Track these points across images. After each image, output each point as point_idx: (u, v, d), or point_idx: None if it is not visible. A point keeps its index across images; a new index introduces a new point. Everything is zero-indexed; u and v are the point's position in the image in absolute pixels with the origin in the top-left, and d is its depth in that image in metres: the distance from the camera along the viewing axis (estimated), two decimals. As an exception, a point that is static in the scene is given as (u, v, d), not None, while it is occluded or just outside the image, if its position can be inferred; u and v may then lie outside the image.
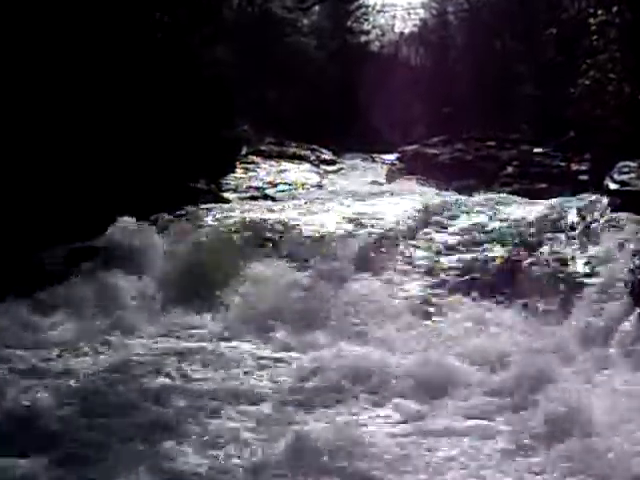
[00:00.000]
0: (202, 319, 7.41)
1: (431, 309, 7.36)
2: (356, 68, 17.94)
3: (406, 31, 18.82)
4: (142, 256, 8.35)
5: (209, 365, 6.43)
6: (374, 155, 17.16)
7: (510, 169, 14.52)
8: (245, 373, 6.36)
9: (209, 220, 9.07)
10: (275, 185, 13.48)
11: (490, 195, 10.52)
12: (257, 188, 13.00)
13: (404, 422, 5.42)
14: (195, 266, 8.03)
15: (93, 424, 5.10)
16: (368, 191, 12.04)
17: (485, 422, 5.33)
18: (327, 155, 16.45)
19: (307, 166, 15.48)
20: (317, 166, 15.77)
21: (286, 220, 9.03)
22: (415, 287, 7.62)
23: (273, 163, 14.96)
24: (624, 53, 10.92)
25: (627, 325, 6.63)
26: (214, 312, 7.47)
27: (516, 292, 7.48)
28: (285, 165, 15.06)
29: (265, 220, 9.00)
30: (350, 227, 8.68)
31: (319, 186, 13.91)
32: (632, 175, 8.86)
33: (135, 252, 8.37)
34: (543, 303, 7.30)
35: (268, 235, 8.59)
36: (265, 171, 14.31)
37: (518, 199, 9.99)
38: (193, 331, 7.25)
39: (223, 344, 6.89)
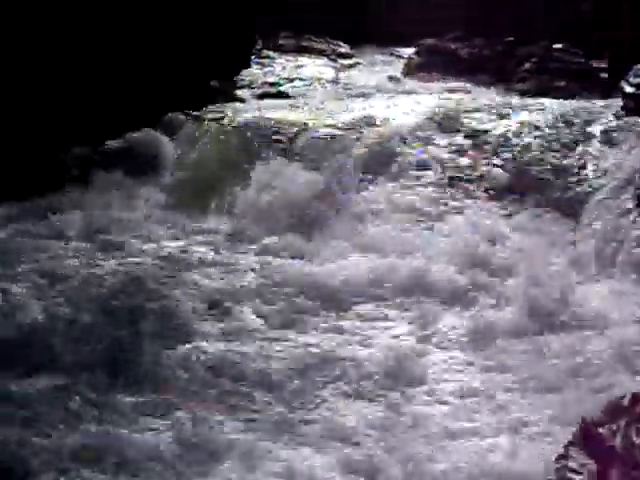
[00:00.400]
0: (212, 223, 7.47)
1: (435, 213, 7.34)
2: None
3: None
4: (155, 160, 8.34)
5: (215, 270, 6.53)
6: (393, 49, 16.91)
7: (528, 65, 14.27)
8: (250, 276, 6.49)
9: (221, 121, 9.00)
10: (291, 80, 13.33)
11: (504, 98, 10.39)
12: (272, 84, 12.86)
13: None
14: (206, 170, 8.09)
15: (104, 333, 5.21)
16: (383, 88, 11.88)
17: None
18: (344, 49, 16.19)
19: (324, 60, 15.26)
20: (334, 60, 15.55)
21: (298, 120, 8.97)
22: (424, 192, 7.58)
23: (289, 58, 14.75)
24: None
25: (633, 236, 6.65)
26: (224, 216, 7.54)
27: (526, 198, 7.46)
28: (301, 60, 14.86)
29: (277, 120, 8.94)
30: (362, 128, 8.57)
31: (335, 82, 13.74)
32: (647, 78, 8.72)
33: (149, 157, 8.35)
34: (552, 210, 7.28)
35: (279, 137, 8.55)
36: (281, 66, 14.13)
37: (531, 101, 9.79)
38: (202, 237, 7.32)
39: (228, 251, 6.95)
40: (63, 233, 7.27)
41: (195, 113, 9.51)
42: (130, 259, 6.64)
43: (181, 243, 7.10)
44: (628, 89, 8.70)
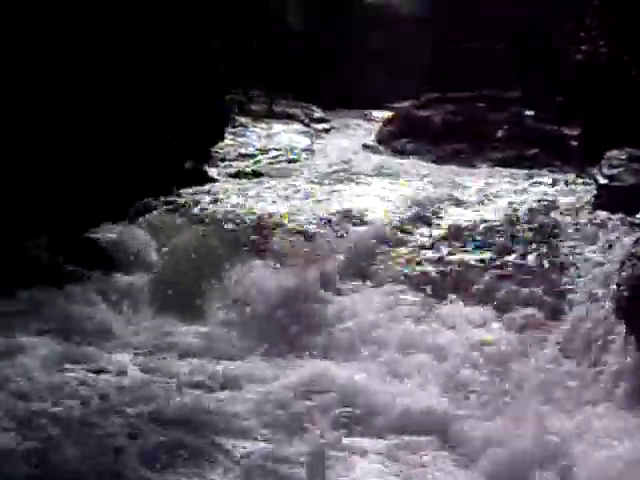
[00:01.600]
0: (185, 329, 7.21)
1: (414, 318, 7.12)
2: (345, 19, 17.43)
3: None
4: (126, 254, 8.10)
5: (188, 384, 6.28)
6: (365, 112, 16.80)
7: (501, 133, 14.20)
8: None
9: (191, 211, 8.81)
10: (265, 151, 13.14)
11: (478, 178, 10.27)
12: (247, 156, 12.69)
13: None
14: (175, 269, 7.80)
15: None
16: (358, 164, 11.69)
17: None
18: (317, 113, 16.07)
19: (297, 126, 15.12)
20: (307, 125, 15.41)
21: (271, 211, 8.76)
22: (398, 296, 7.37)
23: (263, 125, 14.59)
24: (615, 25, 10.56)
25: (612, 347, 6.45)
26: (197, 321, 7.27)
27: (498, 302, 7.26)
28: (275, 127, 14.69)
29: (251, 213, 8.72)
30: (338, 222, 8.37)
31: (310, 151, 13.57)
32: (621, 169, 8.58)
33: (120, 250, 8.12)
34: (523, 315, 7.08)
35: (253, 231, 8.31)
36: (255, 135, 13.97)
37: (506, 186, 9.66)
38: (177, 342, 7.06)
39: (205, 360, 6.70)
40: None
41: (167, 200, 9.24)
42: (91, 375, 6.31)
43: (149, 357, 6.79)
44: (602, 180, 8.57)
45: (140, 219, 8.75)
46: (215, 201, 9.16)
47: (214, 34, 12.49)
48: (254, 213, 8.63)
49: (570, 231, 7.99)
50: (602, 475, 5.06)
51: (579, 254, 7.57)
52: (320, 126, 15.59)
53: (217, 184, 10.12)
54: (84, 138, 9.34)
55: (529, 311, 7.04)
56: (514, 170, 11.67)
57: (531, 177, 10.73)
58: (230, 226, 8.37)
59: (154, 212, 8.89)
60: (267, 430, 5.70)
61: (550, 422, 5.74)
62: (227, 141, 12.89)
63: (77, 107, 9.39)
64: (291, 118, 15.45)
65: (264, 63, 16.04)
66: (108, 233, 8.40)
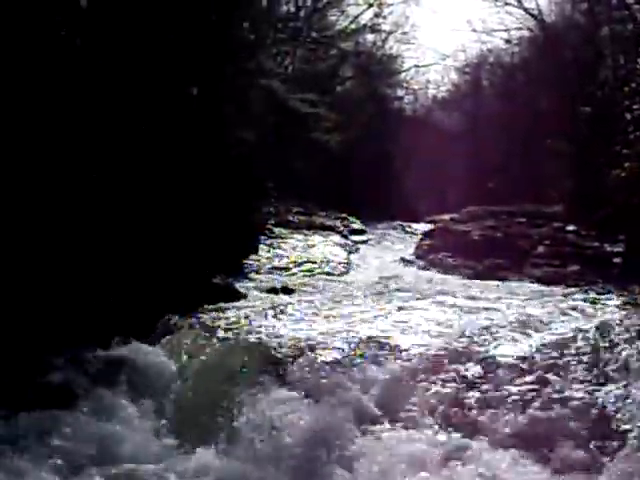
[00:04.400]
0: (196, 457, 6.49)
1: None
2: (389, 135, 17.08)
3: (439, 96, 17.91)
4: (146, 377, 7.48)
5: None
6: (404, 224, 16.32)
7: (541, 248, 13.62)
8: None
9: (215, 331, 8.17)
10: (300, 264, 12.63)
11: (517, 299, 9.55)
12: (281, 269, 12.17)
13: None
14: (192, 394, 7.15)
15: None
16: (395, 281, 11.05)
17: None
18: (356, 224, 15.62)
19: (336, 238, 14.65)
20: (345, 237, 14.95)
21: (299, 334, 8.10)
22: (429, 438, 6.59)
23: (300, 237, 14.13)
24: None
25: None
26: (209, 451, 6.56)
27: (538, 445, 6.46)
28: (312, 238, 14.23)
29: (277, 333, 8.08)
30: (368, 352, 7.64)
31: (346, 264, 13.02)
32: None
33: (139, 372, 7.50)
34: (570, 457, 6.27)
35: (278, 355, 7.63)
36: (291, 246, 13.48)
37: (546, 309, 8.90)
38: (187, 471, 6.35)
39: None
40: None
41: (192, 318, 8.66)
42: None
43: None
44: (651, 307, 7.82)
45: (163, 339, 8.11)
46: (241, 320, 8.54)
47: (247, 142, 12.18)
48: (281, 335, 7.95)
49: (620, 364, 7.18)
50: None
51: (628, 389, 6.76)
52: (358, 238, 15.11)
53: (246, 301, 9.51)
54: (111, 248, 8.84)
55: (576, 455, 6.20)
56: (554, 288, 10.97)
57: (572, 297, 9.98)
58: (255, 349, 7.69)
59: (177, 331, 8.26)
60: None
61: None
62: (262, 252, 12.43)
63: (106, 214, 8.93)
64: (329, 229, 15.01)
65: (307, 177, 15.70)
66: (128, 352, 7.77)
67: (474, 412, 6.79)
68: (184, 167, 10.18)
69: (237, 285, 10.27)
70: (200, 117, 10.91)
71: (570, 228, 14.04)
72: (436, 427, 6.61)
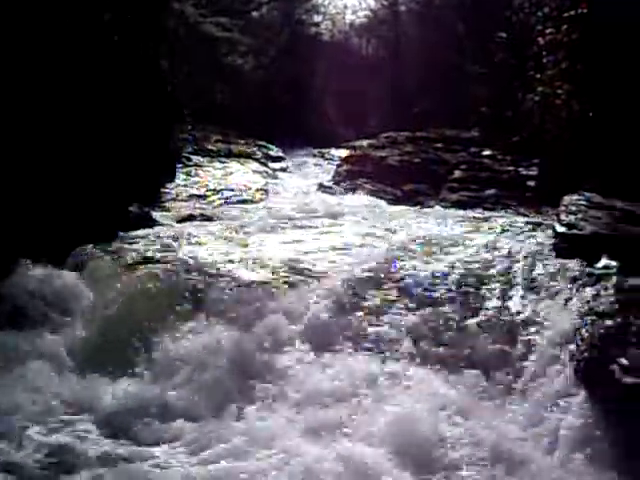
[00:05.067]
0: (113, 387, 6.45)
1: (369, 385, 6.41)
2: (307, 61, 16.90)
3: (357, 22, 17.77)
4: (54, 309, 7.35)
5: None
6: (323, 151, 16.29)
7: (458, 173, 13.74)
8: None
9: (130, 258, 8.06)
10: (218, 192, 12.54)
11: (432, 222, 9.66)
12: (198, 197, 12.07)
13: None
14: (108, 322, 7.08)
15: None
16: (312, 206, 11.06)
17: None
18: (275, 152, 15.54)
19: (254, 165, 14.56)
20: (264, 164, 14.86)
21: (216, 259, 8.07)
22: (353, 360, 6.66)
23: (218, 165, 14.00)
24: (573, 70, 10.07)
25: (571, 411, 5.83)
26: (128, 380, 6.53)
27: (448, 362, 6.59)
28: (231, 165, 14.13)
29: (193, 259, 8.02)
30: (285, 277, 7.66)
31: (265, 191, 12.99)
32: (579, 216, 8.03)
33: (48, 304, 7.36)
34: (475, 376, 6.42)
35: (194, 280, 7.59)
36: (209, 174, 13.36)
37: (460, 231, 9.02)
38: (103, 402, 6.31)
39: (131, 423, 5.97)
40: None
41: (108, 246, 8.53)
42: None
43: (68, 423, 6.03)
44: (559, 228, 7.99)
45: (76, 267, 7.98)
46: (157, 248, 8.43)
47: (167, 72, 11.94)
48: (199, 262, 7.91)
49: (526, 282, 7.36)
50: None
51: (536, 308, 6.94)
52: (277, 165, 15.05)
53: (163, 228, 9.41)
54: (20, 178, 8.61)
55: (482, 372, 6.36)
56: (469, 212, 11.11)
57: (487, 220, 10.12)
58: (171, 276, 7.63)
59: (92, 259, 8.14)
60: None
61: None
62: (179, 181, 12.29)
63: (12, 146, 8.68)
64: (247, 157, 14.89)
65: (222, 103, 15.50)
66: (41, 282, 7.61)
67: (392, 334, 6.89)
68: (99, 94, 9.93)
69: (154, 213, 10.15)
70: (113, 44, 10.63)
71: (486, 153, 14.19)
72: (353, 351, 6.69)
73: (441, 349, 6.66)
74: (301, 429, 5.81)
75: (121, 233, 9.00)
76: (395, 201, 12.06)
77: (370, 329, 6.95)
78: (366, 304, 7.14)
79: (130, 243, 8.70)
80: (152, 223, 9.64)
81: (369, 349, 6.71)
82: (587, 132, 10.39)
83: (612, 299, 6.45)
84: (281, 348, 6.68)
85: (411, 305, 7.13)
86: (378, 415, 5.83)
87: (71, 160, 9.22)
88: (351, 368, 6.42)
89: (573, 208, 8.15)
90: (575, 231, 7.81)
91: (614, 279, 6.81)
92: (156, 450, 5.74)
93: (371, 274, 7.50)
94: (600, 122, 9.53)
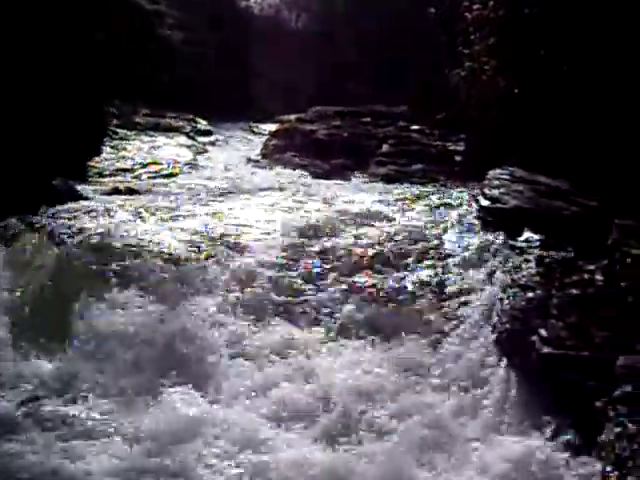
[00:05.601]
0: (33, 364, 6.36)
1: (287, 350, 6.47)
2: (236, 35, 16.74)
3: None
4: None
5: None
6: (252, 125, 16.20)
7: (386, 147, 13.78)
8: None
9: (52, 233, 7.89)
10: (145, 166, 12.39)
11: (360, 195, 9.71)
12: (125, 171, 11.91)
13: None
14: (27, 299, 6.96)
15: None
16: (240, 180, 11.05)
17: None
18: (203, 126, 15.39)
19: (182, 139, 14.40)
20: (192, 138, 14.71)
21: (141, 234, 7.98)
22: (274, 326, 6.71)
23: (145, 138, 13.81)
24: (499, 47, 10.17)
25: (492, 379, 5.95)
26: (48, 356, 6.44)
27: (371, 331, 6.68)
28: (159, 139, 13.95)
29: (118, 234, 7.92)
30: (211, 250, 7.63)
31: (193, 165, 12.87)
32: (503, 190, 8.15)
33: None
34: (401, 345, 6.51)
35: (117, 256, 7.49)
36: (136, 148, 13.17)
37: (386, 204, 9.09)
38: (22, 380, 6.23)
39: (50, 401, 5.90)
40: None
41: (28, 220, 8.35)
42: None
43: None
44: (483, 202, 8.11)
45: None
46: (81, 222, 8.30)
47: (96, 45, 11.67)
48: (123, 237, 7.81)
49: (450, 254, 7.48)
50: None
51: (460, 280, 7.05)
52: (205, 139, 14.90)
53: (87, 202, 9.24)
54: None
55: (406, 342, 6.45)
56: (397, 186, 11.18)
57: (413, 194, 10.20)
58: (93, 250, 7.53)
59: (14, 235, 7.96)
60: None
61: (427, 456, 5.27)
62: (105, 155, 12.06)
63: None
64: (175, 131, 14.72)
65: (148, 75, 15.26)
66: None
67: (316, 305, 6.94)
68: (20, 64, 9.68)
69: (79, 187, 9.95)
70: (41, 18, 10.37)
71: (415, 127, 14.24)
72: (281, 321, 6.72)
73: (364, 319, 6.71)
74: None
75: (45, 207, 8.78)
76: (323, 175, 12.06)
77: (296, 300, 6.99)
78: (293, 275, 7.14)
79: (54, 217, 8.51)
80: (77, 197, 9.45)
81: (295, 320, 6.74)
82: (512, 108, 10.49)
83: (533, 272, 6.56)
84: (207, 323, 6.64)
85: (337, 276, 7.17)
86: (309, 381, 5.87)
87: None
88: (278, 338, 6.46)
89: (497, 182, 8.27)
90: (499, 205, 7.94)
91: (536, 252, 6.93)
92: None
93: (296, 246, 7.50)
94: (525, 98, 9.64)
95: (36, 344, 6.57)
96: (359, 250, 7.53)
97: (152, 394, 6.02)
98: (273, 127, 15.15)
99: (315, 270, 7.36)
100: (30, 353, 6.51)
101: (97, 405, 5.93)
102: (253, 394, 6.02)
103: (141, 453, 5.35)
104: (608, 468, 4.50)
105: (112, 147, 12.70)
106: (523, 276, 6.54)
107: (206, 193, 10.04)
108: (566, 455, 5.15)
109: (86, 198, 9.55)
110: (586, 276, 6.33)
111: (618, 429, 4.72)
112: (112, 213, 8.75)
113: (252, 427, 5.57)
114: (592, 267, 6.43)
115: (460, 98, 11.38)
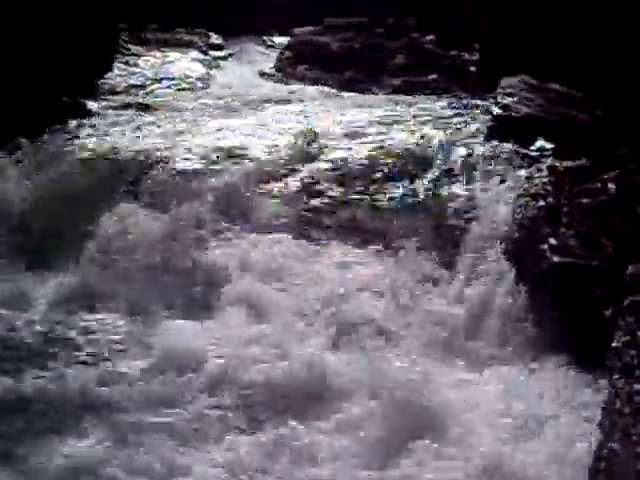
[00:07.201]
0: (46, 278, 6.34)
1: (296, 259, 6.39)
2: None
3: None
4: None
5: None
6: (266, 38, 15.86)
7: (399, 59, 13.48)
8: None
9: (63, 148, 7.84)
10: (158, 81, 12.15)
11: (373, 106, 9.50)
12: (137, 87, 11.69)
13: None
14: (40, 212, 6.90)
15: None
16: (253, 94, 10.83)
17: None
18: (215, 39, 15.07)
19: (194, 54, 14.09)
20: (205, 53, 14.39)
21: (150, 147, 7.88)
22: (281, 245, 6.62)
23: (157, 53, 13.52)
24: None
25: (501, 290, 5.85)
26: (60, 270, 6.40)
27: (383, 243, 6.58)
28: (170, 54, 13.64)
29: (128, 148, 7.83)
30: (220, 159, 7.53)
31: (205, 80, 12.62)
32: (515, 99, 7.92)
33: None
34: (412, 255, 6.40)
35: (128, 169, 7.42)
36: (148, 64, 12.91)
37: (400, 114, 8.88)
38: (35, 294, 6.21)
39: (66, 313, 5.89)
40: None
41: (39, 137, 8.24)
42: None
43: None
44: (496, 110, 7.89)
45: (6, 158, 7.72)
46: (93, 138, 8.22)
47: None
48: (134, 151, 7.72)
49: (462, 163, 7.31)
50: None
51: (471, 189, 6.91)
52: (218, 53, 14.60)
53: (98, 119, 9.11)
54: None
55: (417, 252, 6.35)
56: (411, 97, 10.94)
57: (427, 104, 9.98)
58: (105, 165, 7.46)
59: (25, 152, 7.87)
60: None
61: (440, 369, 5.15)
62: (116, 71, 11.83)
63: None
64: (187, 46, 14.43)
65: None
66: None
67: (320, 216, 6.85)
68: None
69: (89, 103, 9.80)
70: None
71: (428, 38, 13.88)
72: (285, 232, 6.63)
73: (374, 230, 6.62)
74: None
75: (56, 125, 8.66)
76: (336, 87, 11.81)
77: (301, 212, 6.89)
78: (298, 184, 7.03)
79: (64, 133, 8.43)
80: (87, 114, 9.30)
81: (300, 231, 6.65)
82: (527, 15, 10.16)
83: (545, 180, 6.40)
84: (213, 236, 6.57)
85: (343, 189, 7.07)
86: (310, 291, 5.79)
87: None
88: (282, 248, 6.39)
89: (510, 91, 8.03)
90: (511, 113, 7.72)
91: (547, 161, 6.76)
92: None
93: (303, 158, 7.38)
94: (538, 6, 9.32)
95: (48, 258, 6.50)
96: (368, 160, 7.36)
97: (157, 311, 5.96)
98: (286, 40, 14.82)
99: (320, 181, 7.22)
100: (43, 267, 6.43)
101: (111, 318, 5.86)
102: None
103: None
104: (616, 376, 4.42)
105: (124, 63, 12.45)
106: (534, 185, 6.36)
107: (217, 107, 9.87)
108: (575, 366, 5.06)
109: (96, 114, 9.39)
110: (598, 185, 6.13)
111: (626, 338, 4.62)
112: (122, 129, 8.61)
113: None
114: (604, 176, 6.24)
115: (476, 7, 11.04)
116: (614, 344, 4.58)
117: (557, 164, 6.62)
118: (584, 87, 7.73)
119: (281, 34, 15.65)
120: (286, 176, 7.30)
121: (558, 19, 9.20)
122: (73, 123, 8.76)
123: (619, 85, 7.54)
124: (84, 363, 5.42)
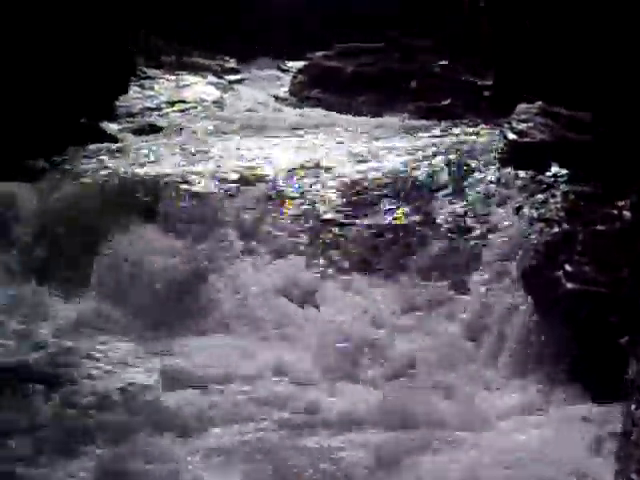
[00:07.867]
0: (66, 304, 6.34)
1: (314, 291, 6.39)
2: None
3: None
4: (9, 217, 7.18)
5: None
6: (279, 62, 15.94)
7: (414, 83, 13.49)
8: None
9: (79, 170, 7.90)
10: (173, 104, 12.22)
11: (387, 131, 9.52)
12: (153, 110, 11.76)
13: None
14: (55, 235, 6.92)
15: None
16: (267, 118, 10.89)
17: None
18: (231, 63, 15.15)
19: (209, 78, 14.17)
20: (220, 77, 14.48)
21: (168, 171, 7.90)
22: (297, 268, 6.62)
23: (172, 77, 13.60)
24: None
25: (516, 315, 5.83)
26: (76, 292, 6.40)
27: (394, 270, 6.57)
28: (186, 78, 13.72)
29: (145, 171, 7.87)
30: (233, 185, 7.55)
31: (220, 103, 12.68)
32: (531, 124, 7.92)
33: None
34: (424, 284, 6.39)
35: (145, 193, 7.45)
36: (163, 87, 12.98)
37: (413, 139, 8.90)
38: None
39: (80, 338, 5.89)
40: None
41: (56, 159, 8.28)
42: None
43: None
44: (510, 135, 7.89)
45: (24, 180, 7.76)
46: (108, 161, 8.25)
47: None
48: (149, 174, 7.74)
49: (477, 189, 7.30)
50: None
51: (486, 215, 6.90)
52: (233, 77, 14.67)
53: (114, 142, 9.16)
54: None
55: (431, 279, 6.33)
56: (425, 122, 10.97)
57: (441, 130, 10.01)
58: (121, 188, 7.49)
59: (40, 173, 7.90)
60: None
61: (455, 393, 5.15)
62: (132, 94, 11.89)
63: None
64: (202, 69, 14.50)
65: (176, 13, 15.01)
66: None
67: (341, 242, 6.85)
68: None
69: (106, 126, 9.85)
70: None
71: (442, 63, 13.89)
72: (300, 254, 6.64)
73: (387, 255, 6.61)
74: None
75: (72, 147, 8.71)
76: (350, 111, 11.83)
77: (323, 237, 6.89)
78: (316, 213, 7.05)
79: (81, 156, 8.45)
80: (104, 136, 9.35)
81: (316, 256, 6.64)
82: (543, 41, 10.15)
83: (560, 206, 6.38)
84: (230, 260, 6.57)
85: (358, 212, 7.07)
86: (317, 322, 5.79)
87: (19, 72, 8.90)
88: (296, 274, 6.38)
89: (525, 116, 8.02)
90: (526, 139, 7.71)
91: (563, 187, 6.75)
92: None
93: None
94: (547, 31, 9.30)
95: (64, 279, 6.52)
96: (381, 187, 7.38)
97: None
98: (300, 64, 14.88)
99: (341, 208, 7.24)
100: (53, 290, 6.45)
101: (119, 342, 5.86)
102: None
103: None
104: (633, 406, 4.37)
105: (139, 86, 12.52)
106: (549, 211, 6.35)
107: (232, 130, 9.90)
108: (590, 393, 5.02)
109: (112, 137, 9.43)
110: (613, 211, 6.11)
111: (643, 366, 4.57)
112: (138, 151, 8.65)
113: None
114: (619, 202, 6.21)
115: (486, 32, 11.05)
116: (630, 373, 4.54)
117: (572, 190, 6.60)
118: (595, 107, 7.69)
119: (295, 59, 15.71)
120: (300, 198, 7.28)
121: (558, 19, 9.17)
122: (91, 145, 8.78)
123: (631, 106, 7.50)
124: (94, 385, 5.37)
